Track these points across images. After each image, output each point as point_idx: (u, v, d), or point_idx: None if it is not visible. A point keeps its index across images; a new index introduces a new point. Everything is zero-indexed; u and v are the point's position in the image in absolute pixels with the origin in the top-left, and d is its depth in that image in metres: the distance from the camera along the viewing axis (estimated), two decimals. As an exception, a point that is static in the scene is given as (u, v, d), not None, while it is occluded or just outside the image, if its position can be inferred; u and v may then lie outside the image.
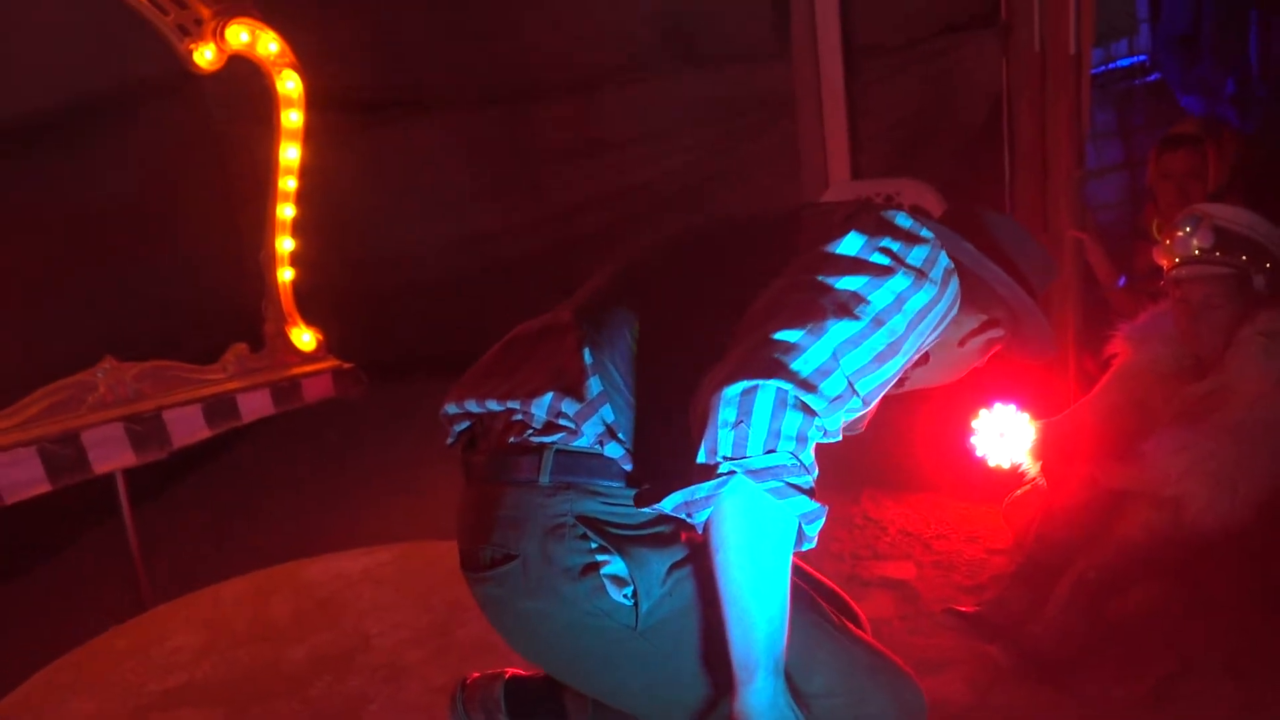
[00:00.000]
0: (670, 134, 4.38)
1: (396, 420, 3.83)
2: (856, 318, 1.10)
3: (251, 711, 2.18)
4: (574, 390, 1.20)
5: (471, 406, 1.30)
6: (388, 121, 4.52)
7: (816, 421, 1.06)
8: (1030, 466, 2.61)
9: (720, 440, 1.03)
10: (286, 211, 2.98)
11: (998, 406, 2.76)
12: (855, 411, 1.12)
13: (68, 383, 2.57)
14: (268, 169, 2.97)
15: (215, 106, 4.28)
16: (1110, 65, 4.96)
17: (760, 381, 1.03)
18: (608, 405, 1.20)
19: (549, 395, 1.21)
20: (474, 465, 1.30)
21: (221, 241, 3.94)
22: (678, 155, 4.37)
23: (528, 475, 1.21)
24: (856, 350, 1.09)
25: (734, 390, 1.03)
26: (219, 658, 2.38)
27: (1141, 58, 4.94)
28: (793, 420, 1.04)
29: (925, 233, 1.19)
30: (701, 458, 1.04)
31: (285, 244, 2.99)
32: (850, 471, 3.24)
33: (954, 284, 1.20)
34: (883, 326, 1.11)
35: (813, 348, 1.07)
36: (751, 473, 1.02)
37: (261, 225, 3.00)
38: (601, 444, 1.20)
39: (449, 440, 1.38)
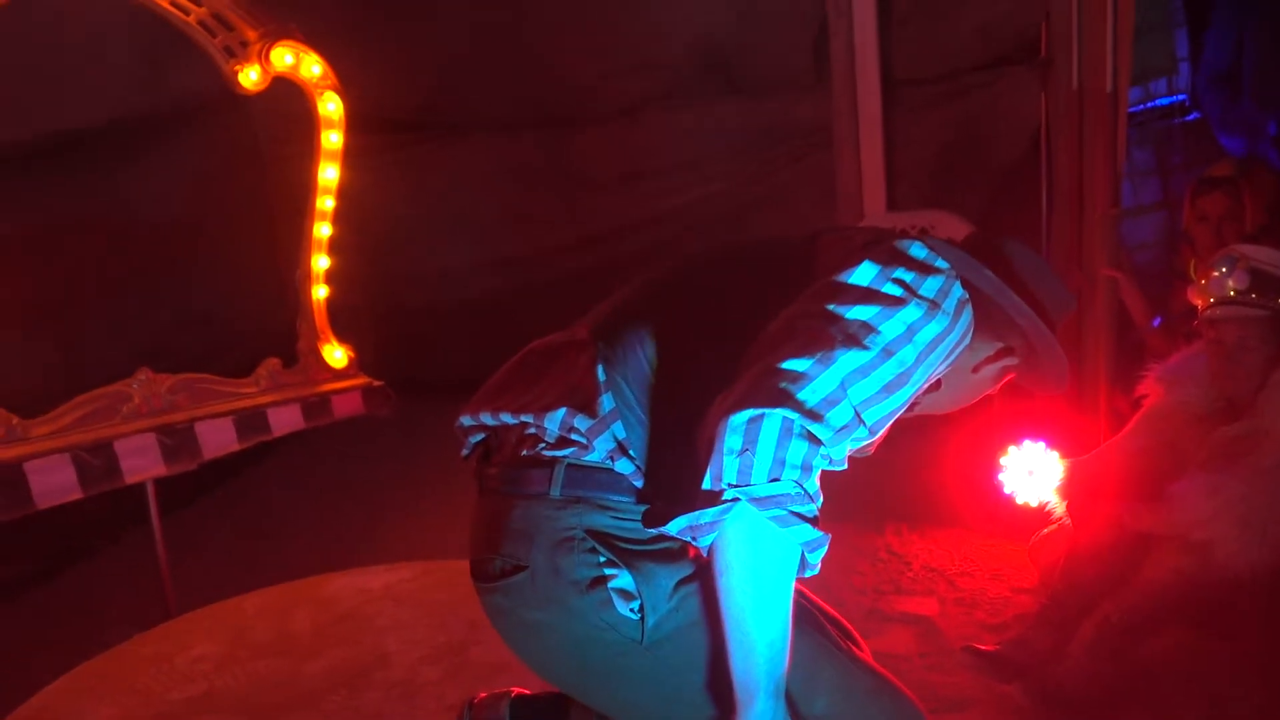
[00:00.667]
0: (708, 162, 4.41)
1: (424, 439, 3.86)
2: (866, 348, 1.10)
3: (268, 723, 2.20)
4: (587, 406, 1.22)
5: (486, 419, 1.32)
6: (427, 143, 4.59)
7: (822, 450, 1.06)
8: (1057, 505, 2.58)
9: (725, 467, 1.04)
10: (323, 230, 3.02)
11: (1027, 444, 2.74)
12: (862, 440, 1.13)
13: (103, 392, 2.61)
14: (307, 188, 3.02)
15: (261, 126, 4.38)
16: (1149, 104, 4.92)
17: (766, 410, 1.04)
18: (619, 422, 1.21)
19: (562, 410, 1.22)
20: (487, 477, 1.32)
21: (261, 258, 4.01)
22: (715, 183, 4.40)
23: (538, 488, 1.23)
24: (865, 380, 1.10)
25: (740, 418, 1.04)
26: (239, 669, 2.40)
27: (1181, 97, 4.91)
28: (798, 449, 1.04)
29: (940, 263, 1.19)
30: (707, 484, 1.05)
31: (321, 262, 3.03)
32: (875, 504, 3.22)
33: (967, 315, 1.20)
34: (892, 357, 1.12)
35: (820, 377, 1.07)
36: (755, 500, 1.03)
37: (299, 243, 3.05)
38: (612, 460, 1.21)
39: (464, 452, 1.40)
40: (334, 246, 3.08)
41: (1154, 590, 2.22)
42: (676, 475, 1.14)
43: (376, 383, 3.08)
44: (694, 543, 1.09)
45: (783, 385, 1.06)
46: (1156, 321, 3.15)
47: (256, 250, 4.06)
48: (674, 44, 4.34)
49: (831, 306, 1.13)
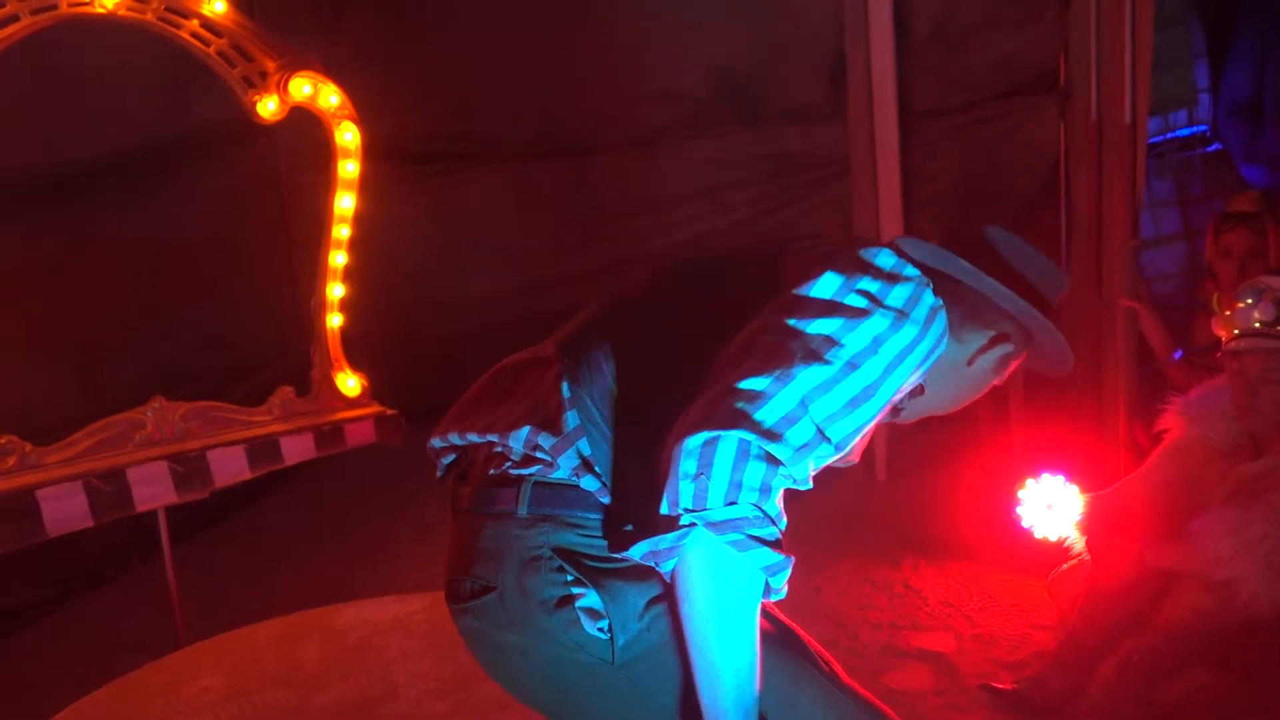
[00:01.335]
0: (726, 190, 4.40)
1: (435, 467, 3.85)
2: (828, 362, 1.08)
3: (274, 756, 2.18)
4: (551, 424, 1.20)
5: (454, 439, 1.31)
6: (445, 172, 4.61)
7: (782, 470, 1.04)
8: (1077, 540, 2.54)
9: (681, 492, 1.03)
10: (339, 259, 3.03)
11: (1045, 477, 2.70)
12: (828, 457, 1.10)
13: (117, 420, 2.62)
14: (324, 216, 3.03)
15: (280, 154, 4.41)
16: (1169, 135, 4.90)
17: (721, 433, 1.02)
18: (585, 439, 1.20)
19: (526, 428, 1.21)
20: (459, 497, 1.31)
21: (276, 286, 4.03)
22: (733, 211, 4.39)
23: (505, 507, 1.22)
24: (827, 396, 1.07)
25: (695, 442, 1.02)
26: (246, 701, 2.38)
27: (1201, 128, 4.88)
28: (755, 471, 1.02)
29: (909, 270, 1.17)
30: (664, 509, 1.04)
31: (336, 290, 3.04)
32: (892, 538, 3.19)
33: (940, 321, 1.18)
34: (856, 370, 1.09)
35: (778, 395, 1.05)
36: (711, 525, 1.02)
37: (315, 271, 3.06)
38: (578, 476, 1.20)
39: (438, 474, 1.39)
40: (349, 274, 3.09)
41: (1175, 630, 2.18)
42: (641, 496, 1.12)
43: (389, 411, 3.07)
44: (656, 567, 1.08)
45: (739, 405, 1.04)
46: (1178, 354, 3.11)
47: (272, 277, 4.09)
48: (692, 73, 4.35)
49: (792, 321, 1.11)
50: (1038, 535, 2.69)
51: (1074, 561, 2.58)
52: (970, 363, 1.33)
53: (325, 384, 3.00)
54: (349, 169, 3.01)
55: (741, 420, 1.03)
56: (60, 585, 3.35)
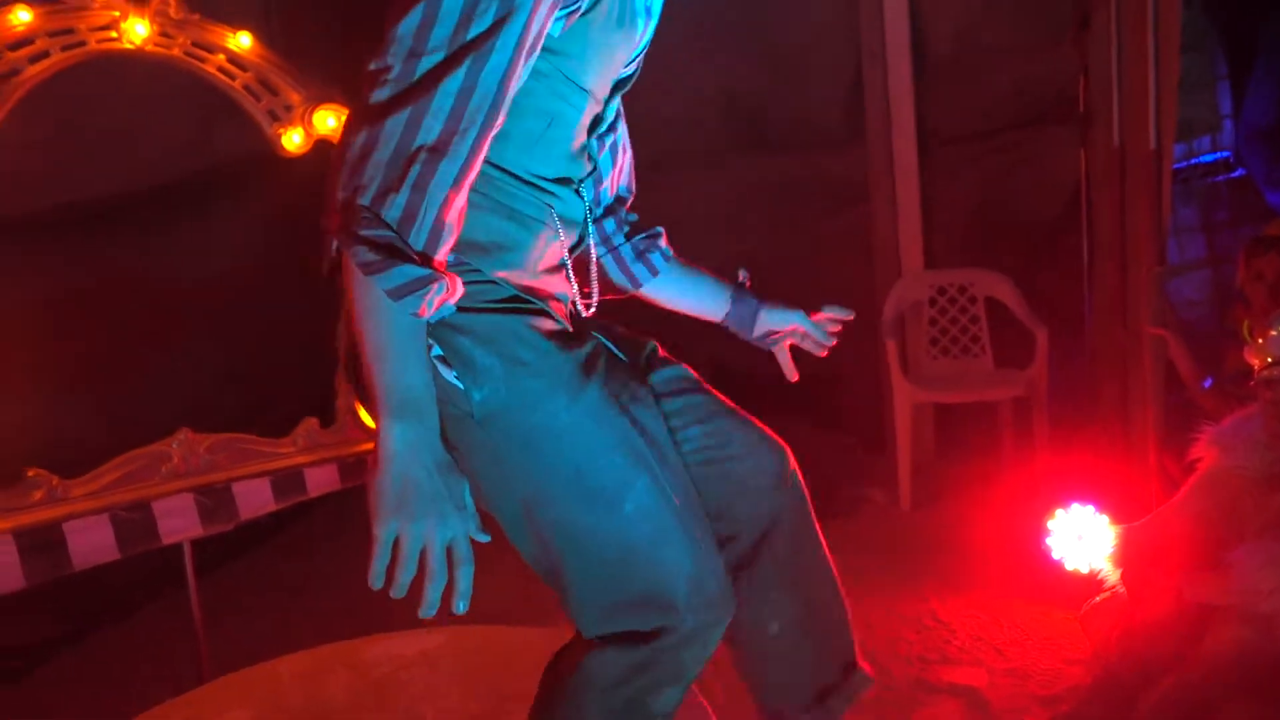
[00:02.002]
0: (741, 216, 4.40)
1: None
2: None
3: (300, 794, 2.16)
4: None
5: None
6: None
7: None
8: (1110, 573, 2.50)
9: None
10: (363, 289, 3.04)
11: (1075, 507, 2.66)
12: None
13: (143, 452, 2.61)
14: (346, 248, 3.03)
15: (302, 185, 4.43)
16: (1193, 161, 4.89)
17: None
18: None
19: None
20: None
21: (300, 317, 4.03)
22: (749, 238, 4.38)
23: None
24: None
25: None
26: (272, 736, 2.36)
27: (1225, 154, 4.87)
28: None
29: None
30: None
31: (360, 321, 3.04)
32: (919, 569, 3.15)
33: None
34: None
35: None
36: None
37: (337, 299, 3.05)
38: None
39: None
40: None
41: (1215, 664, 2.14)
42: None
43: (413, 442, 3.06)
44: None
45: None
46: (1208, 382, 3.08)
47: (295, 308, 4.09)
48: (705, 99, 4.35)
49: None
50: (1069, 567, 2.65)
51: (1107, 595, 2.55)
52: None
53: (349, 415, 2.99)
54: (373, 201, 3.02)
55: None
56: (82, 619, 3.34)
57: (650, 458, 1.29)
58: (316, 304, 4.04)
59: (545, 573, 1.31)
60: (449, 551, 1.21)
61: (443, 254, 1.15)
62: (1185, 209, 4.74)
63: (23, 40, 2.33)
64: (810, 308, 1.73)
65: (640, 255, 1.70)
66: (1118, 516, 2.60)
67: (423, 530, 1.19)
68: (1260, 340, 2.33)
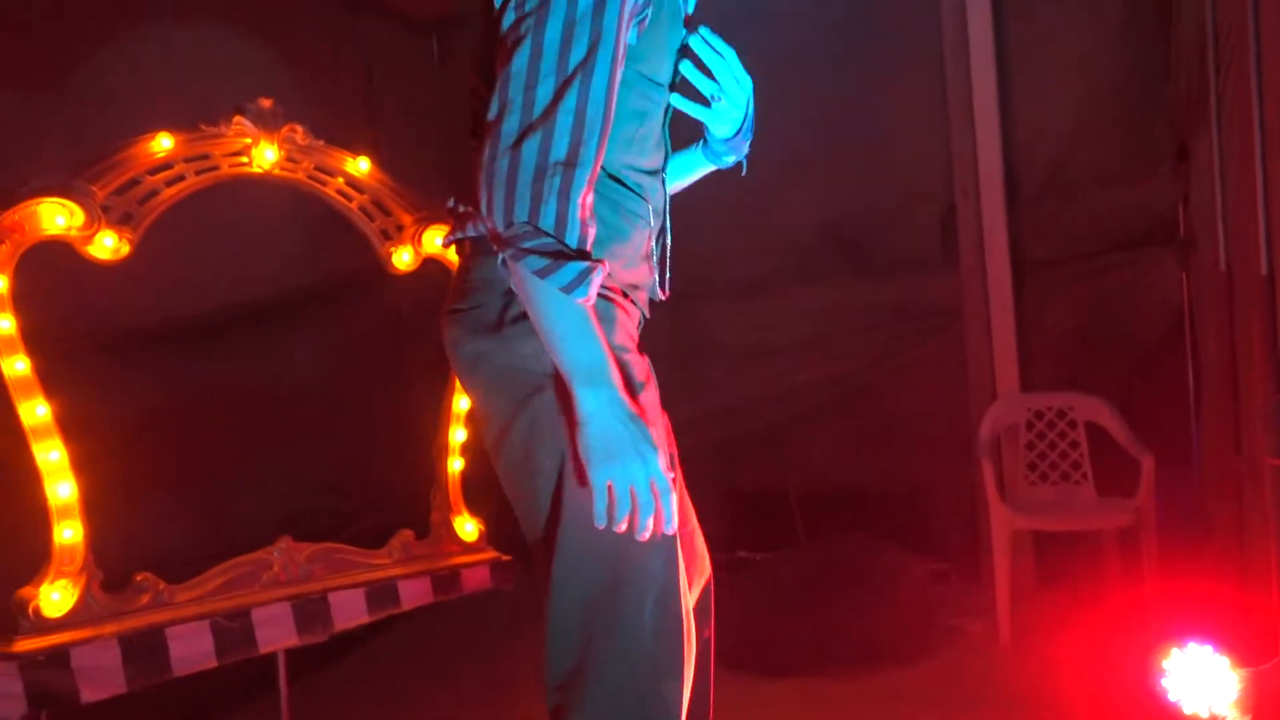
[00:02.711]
0: (836, 338, 4.40)
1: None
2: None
3: None
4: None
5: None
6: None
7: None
8: (1236, 720, 2.36)
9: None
10: (462, 404, 3.09)
11: (1192, 646, 2.53)
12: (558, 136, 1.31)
13: (246, 559, 2.67)
14: (446, 364, 3.10)
15: (402, 299, 4.58)
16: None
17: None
18: None
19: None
20: None
21: (397, 428, 4.11)
22: (843, 360, 4.37)
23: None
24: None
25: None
26: None
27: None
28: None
29: None
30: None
31: (458, 434, 3.09)
32: (1019, 707, 3.01)
33: None
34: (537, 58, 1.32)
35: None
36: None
37: (438, 415, 3.12)
38: None
39: None
40: (470, 417, 3.14)
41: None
42: None
43: (504, 557, 3.06)
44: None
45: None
46: (1331, 516, 2.93)
47: (393, 419, 4.18)
48: (802, 222, 4.42)
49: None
50: (1187, 711, 2.51)
51: (1233, 743, 2.39)
52: None
53: (444, 528, 3.02)
54: (469, 314, 3.10)
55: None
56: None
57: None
58: (413, 416, 4.14)
59: (547, 536, 1.43)
60: (652, 484, 1.35)
61: (589, 245, 1.33)
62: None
63: (162, 165, 2.50)
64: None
65: None
66: (1240, 658, 2.46)
67: (629, 470, 1.33)
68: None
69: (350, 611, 2.74)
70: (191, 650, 2.47)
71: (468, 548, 3.01)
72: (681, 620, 1.39)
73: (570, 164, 1.30)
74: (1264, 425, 2.96)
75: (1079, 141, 3.95)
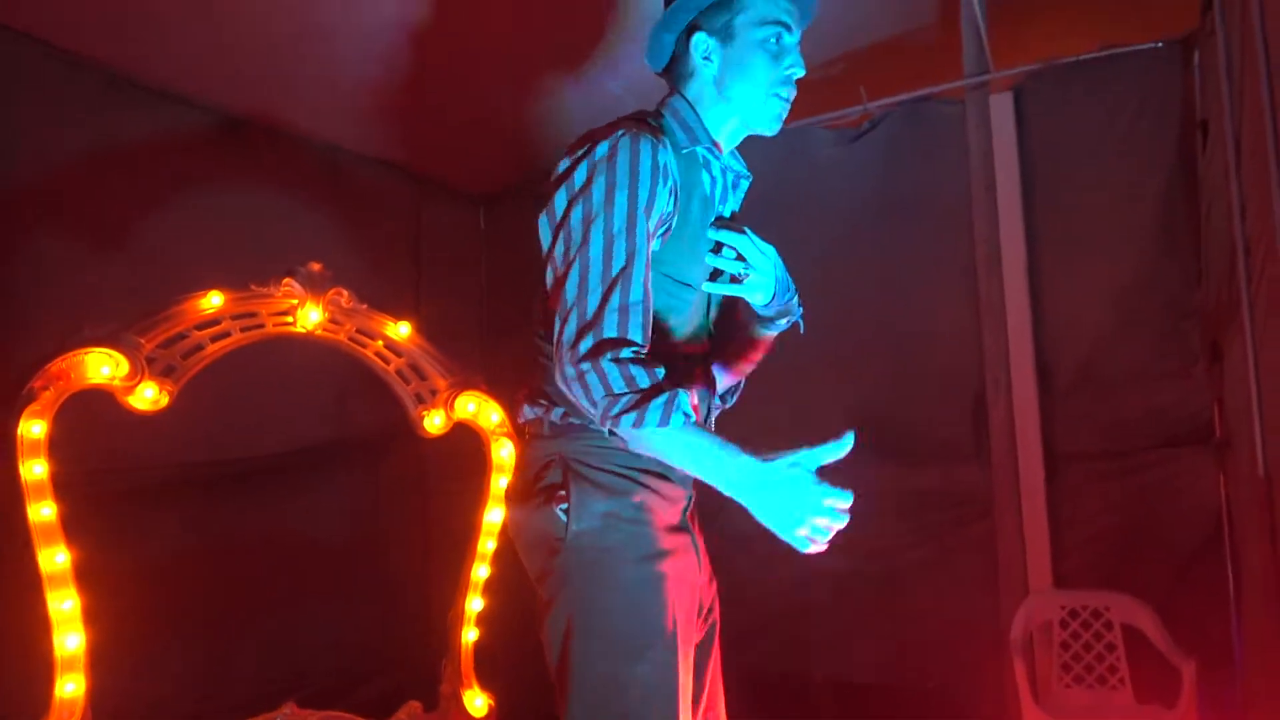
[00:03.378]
0: (864, 523, 4.31)
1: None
2: (561, 269, 1.58)
3: None
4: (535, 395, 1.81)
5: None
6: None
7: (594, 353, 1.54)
8: None
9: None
10: (481, 571, 3.05)
11: None
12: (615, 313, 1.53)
13: (248, 724, 2.58)
14: (468, 528, 3.09)
15: (427, 462, 4.59)
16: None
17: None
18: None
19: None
20: None
21: (414, 593, 4.05)
22: (874, 545, 4.29)
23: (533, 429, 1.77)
24: (574, 286, 1.56)
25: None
26: None
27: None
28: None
29: (587, 154, 1.57)
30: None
31: (475, 604, 3.03)
32: None
33: (625, 149, 1.55)
34: (580, 239, 1.55)
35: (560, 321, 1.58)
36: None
37: (455, 583, 3.07)
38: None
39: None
40: (489, 588, 3.09)
41: None
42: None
43: (513, 734, 2.95)
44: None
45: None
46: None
47: (410, 582, 4.12)
48: (836, 404, 4.42)
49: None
50: None
51: None
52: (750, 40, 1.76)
53: (454, 701, 2.92)
54: (501, 484, 3.09)
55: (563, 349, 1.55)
56: None
57: (675, 640, 1.58)
58: (433, 581, 4.07)
59: (559, 693, 1.56)
60: (827, 509, 1.54)
61: (663, 378, 1.51)
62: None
63: (210, 321, 2.56)
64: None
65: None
66: None
67: (804, 513, 1.55)
68: None
69: (352, 785, 2.63)
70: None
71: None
72: None
73: (618, 343, 1.49)
74: (1311, 639, 2.85)
75: (1111, 338, 3.97)
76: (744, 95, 1.73)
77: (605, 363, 1.47)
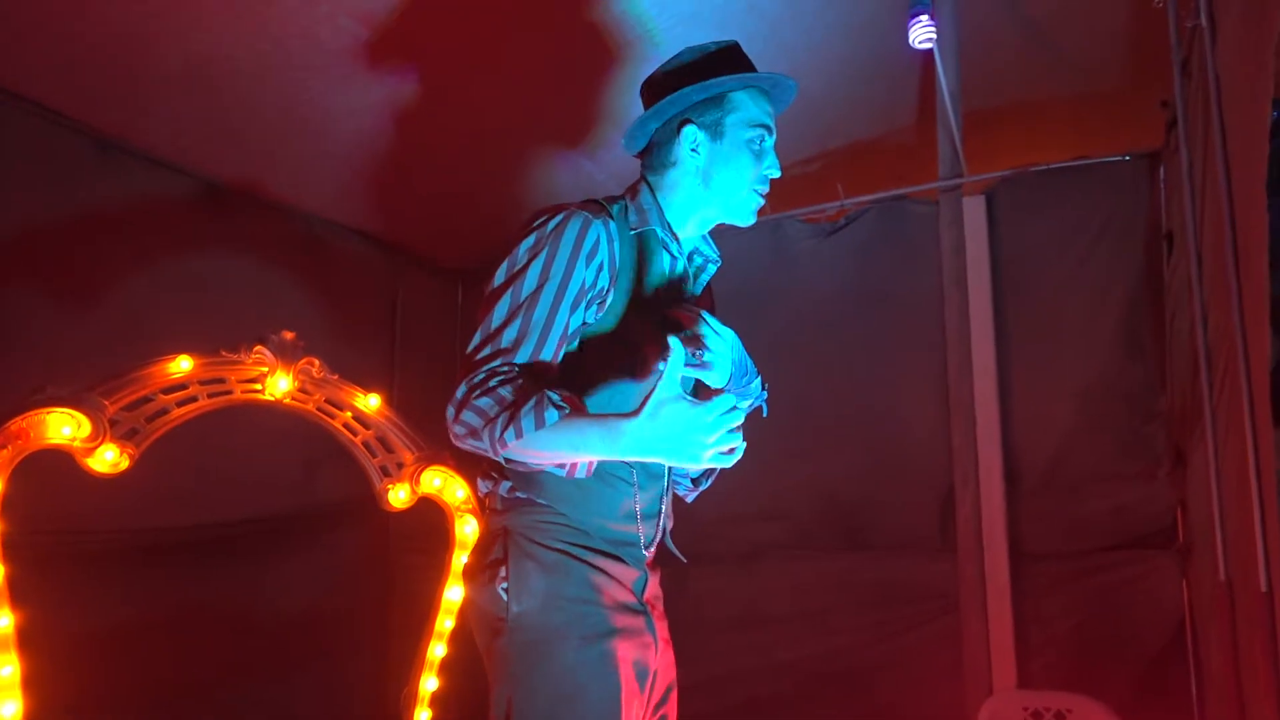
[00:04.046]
0: (830, 614, 4.29)
1: None
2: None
3: None
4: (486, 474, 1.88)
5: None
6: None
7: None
8: None
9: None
10: (438, 650, 2.99)
11: None
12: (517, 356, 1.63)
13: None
14: (430, 607, 3.04)
15: (390, 535, 4.53)
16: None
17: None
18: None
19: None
20: None
21: (371, 669, 3.96)
22: (837, 636, 4.25)
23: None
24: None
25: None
26: None
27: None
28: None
29: (533, 234, 1.69)
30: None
31: (429, 683, 2.96)
32: None
33: (570, 229, 1.67)
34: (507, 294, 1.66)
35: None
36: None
37: (411, 661, 3.01)
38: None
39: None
40: (445, 668, 3.03)
41: None
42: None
43: (463, 824, 2.86)
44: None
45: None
46: None
47: (366, 657, 4.03)
48: (800, 494, 4.41)
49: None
50: None
51: None
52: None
53: (405, 785, 2.84)
54: (463, 560, 3.05)
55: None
56: None
57: None
58: (392, 657, 3.99)
59: None
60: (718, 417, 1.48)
61: (527, 396, 1.55)
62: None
63: (177, 385, 2.55)
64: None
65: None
66: None
67: (703, 433, 1.47)
68: None
69: None
70: None
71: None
72: None
73: (486, 376, 1.57)
74: (1272, 751, 2.83)
75: (1077, 439, 4.01)
76: (727, 188, 1.82)
77: (474, 400, 1.53)
